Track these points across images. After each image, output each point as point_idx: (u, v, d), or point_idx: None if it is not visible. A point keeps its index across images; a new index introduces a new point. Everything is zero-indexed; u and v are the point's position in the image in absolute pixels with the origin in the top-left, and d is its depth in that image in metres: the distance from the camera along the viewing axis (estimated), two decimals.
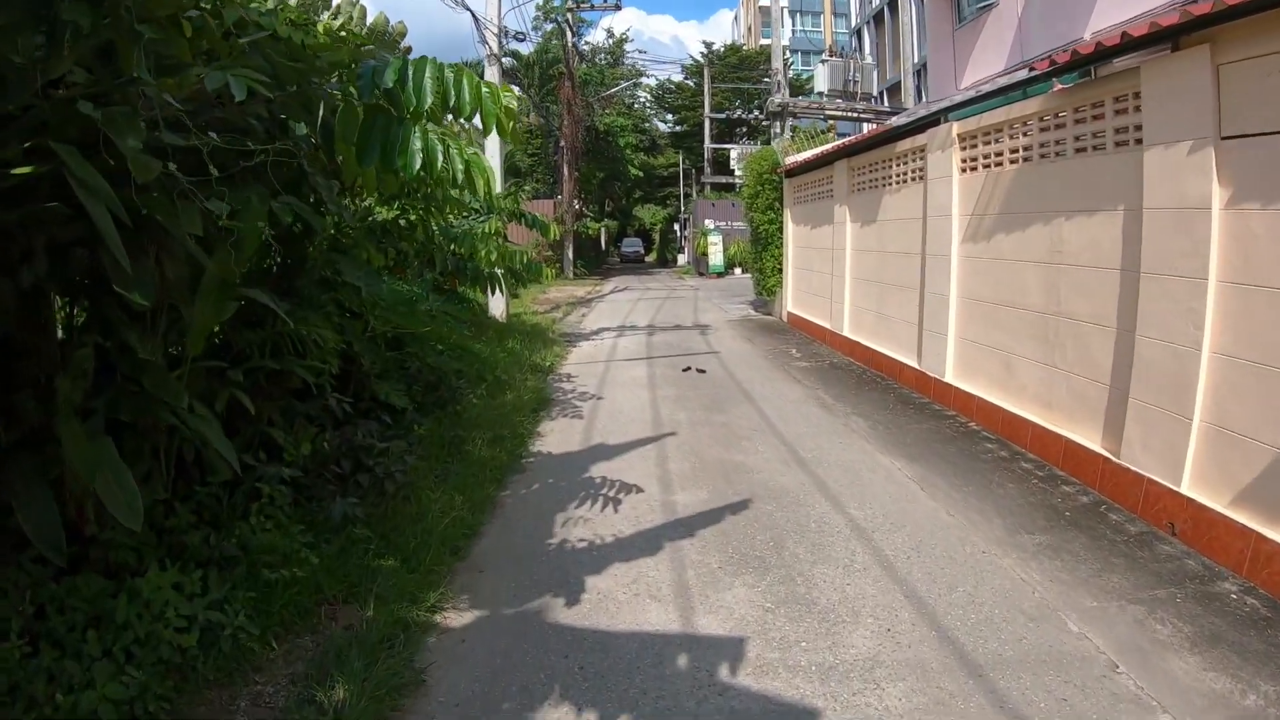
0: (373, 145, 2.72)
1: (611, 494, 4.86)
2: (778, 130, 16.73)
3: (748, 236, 32.69)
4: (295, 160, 3.54)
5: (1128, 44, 4.44)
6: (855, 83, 17.66)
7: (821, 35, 64.41)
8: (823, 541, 4.17)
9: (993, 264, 6.57)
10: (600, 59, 36.66)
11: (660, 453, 5.79)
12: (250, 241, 3.21)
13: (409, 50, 23.43)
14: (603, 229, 53.62)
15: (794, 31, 68.78)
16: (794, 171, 13.42)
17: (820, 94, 18.18)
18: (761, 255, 14.95)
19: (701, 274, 30.51)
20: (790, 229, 14.03)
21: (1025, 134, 6.10)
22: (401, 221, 6.53)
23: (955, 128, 7.12)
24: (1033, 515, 4.56)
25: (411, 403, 5.47)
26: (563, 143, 27.02)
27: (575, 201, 27.58)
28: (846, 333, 10.51)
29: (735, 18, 76.87)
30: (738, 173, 35.04)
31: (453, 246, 8.25)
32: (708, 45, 42.74)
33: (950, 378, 7.29)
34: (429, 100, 2.73)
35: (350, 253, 5.35)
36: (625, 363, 10.01)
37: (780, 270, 14.70)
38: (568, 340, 12.11)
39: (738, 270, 30.13)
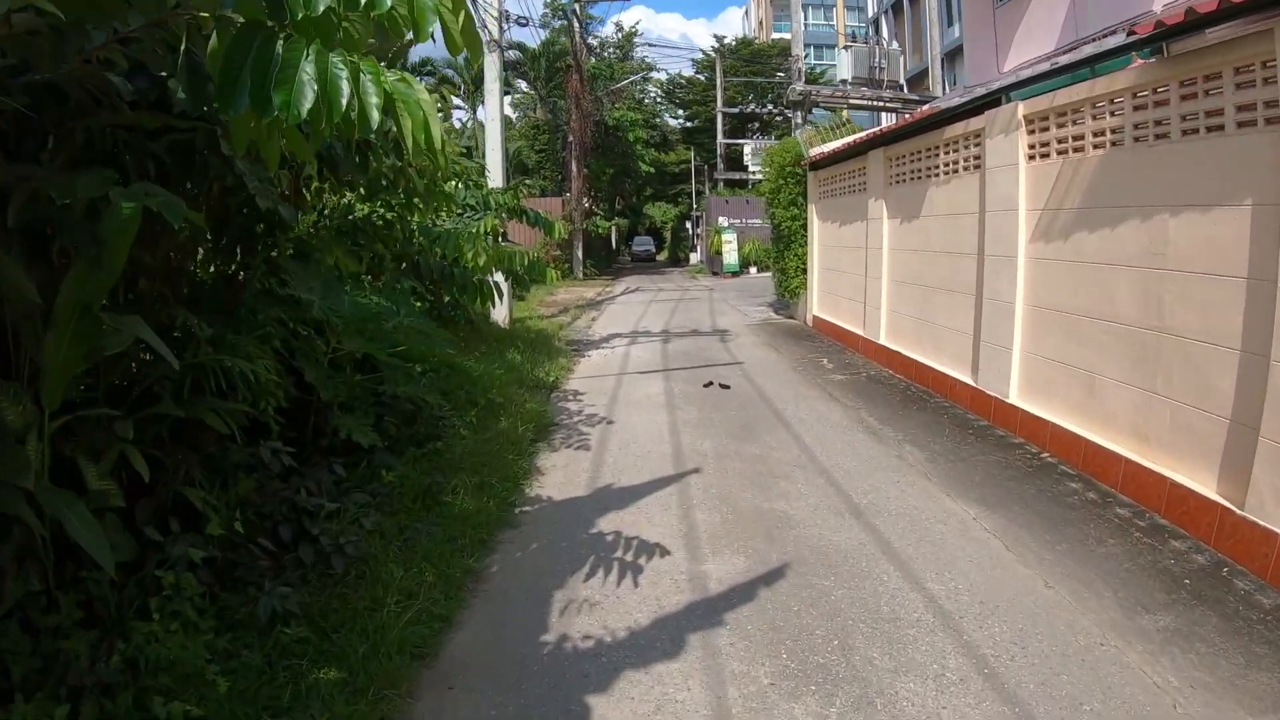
0: (238, 80, 1.70)
1: (626, 559, 3.90)
2: (798, 121, 15.73)
3: (764, 234, 31.77)
4: (185, 133, 2.60)
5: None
6: (881, 69, 16.61)
7: (834, 29, 63.38)
8: (901, 636, 3.19)
9: (1072, 267, 5.55)
10: (609, 54, 35.69)
11: (684, 498, 4.82)
12: (116, 251, 2.26)
13: (410, 44, 22.71)
14: (613, 227, 52.77)
15: (806, 26, 67.60)
16: (820, 164, 12.41)
17: (844, 82, 17.14)
18: (783, 254, 13.96)
19: (716, 273, 29.52)
20: (815, 226, 13.02)
21: (1114, 113, 5.08)
22: (376, 219, 5.59)
23: (1021, 108, 6.11)
24: (1147, 585, 3.59)
25: (382, 439, 4.52)
26: (571, 138, 26.07)
27: (584, 199, 26.64)
28: (883, 340, 9.52)
29: (745, 12, 75.65)
30: (752, 168, 34.04)
31: (438, 249, 7.31)
32: (719, 39, 41.66)
33: (1015, 398, 6.29)
34: None
35: (313, 258, 4.41)
36: (639, 376, 9.04)
37: (804, 270, 13.71)
38: (575, 349, 11.15)
39: (753, 269, 29.13)
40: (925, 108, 10.98)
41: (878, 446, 5.95)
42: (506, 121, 16.95)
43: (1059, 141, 5.70)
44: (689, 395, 7.94)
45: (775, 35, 52.94)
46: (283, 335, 3.82)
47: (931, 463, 5.49)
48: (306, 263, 4.24)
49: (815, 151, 12.62)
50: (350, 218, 5.38)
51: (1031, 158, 6.07)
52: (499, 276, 8.29)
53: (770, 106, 37.09)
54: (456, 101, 30.13)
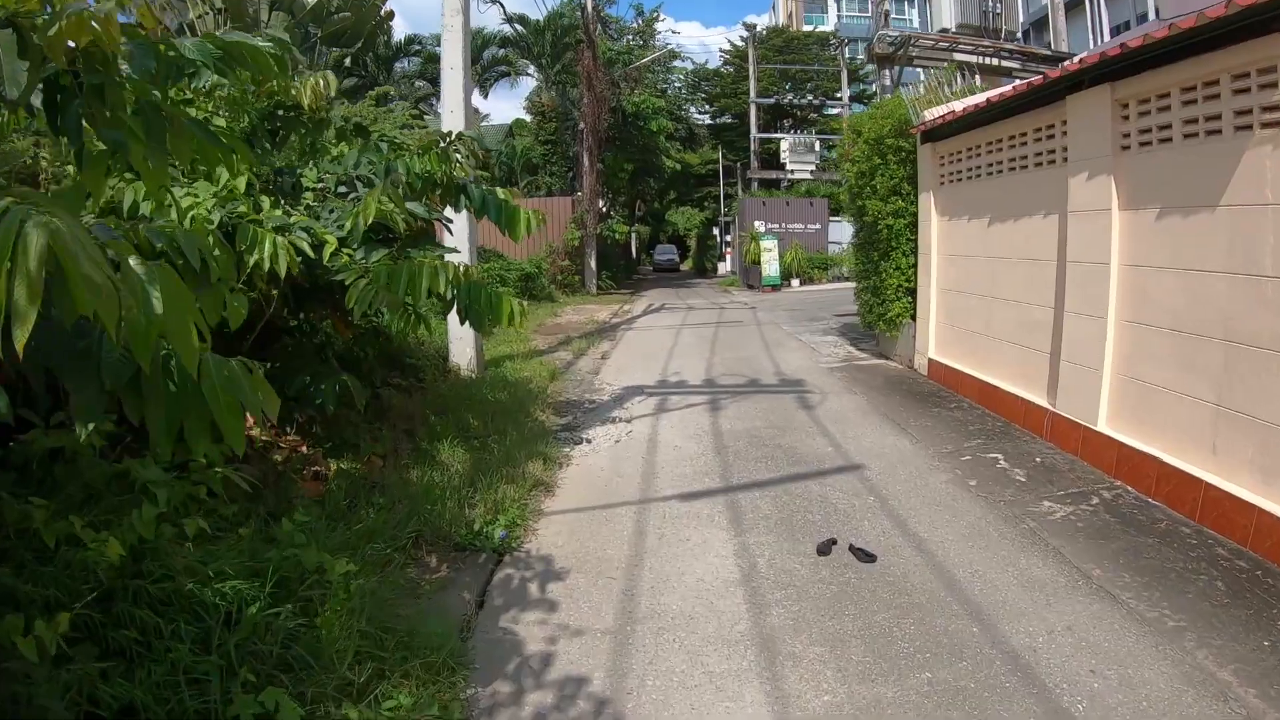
0: None
1: None
2: (886, 83, 11.42)
3: (809, 240, 27.44)
4: None
5: None
6: (996, 14, 12.28)
7: (870, 21, 58.85)
8: None
9: None
10: (629, 40, 31.57)
11: None
12: None
13: (390, 15, 18.14)
14: (632, 234, 48.48)
15: (839, 17, 63.39)
16: (946, 131, 8.14)
17: (946, 30, 12.83)
18: (879, 266, 9.64)
19: (752, 286, 25.19)
20: (935, 225, 8.72)
21: None
22: None
23: None
24: None
25: None
26: (582, 126, 21.89)
27: (598, 199, 22.43)
28: (1113, 431, 5.21)
29: (773, 5, 71.44)
30: (790, 166, 29.74)
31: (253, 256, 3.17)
32: (749, 27, 37.42)
33: None
34: None
35: None
36: (679, 511, 4.72)
37: (909, 292, 9.41)
38: (567, 429, 6.86)
39: (795, 281, 24.80)
40: (1068, 63, 6.74)
41: None
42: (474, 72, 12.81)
43: None
44: (793, 583, 3.64)
45: (807, 28, 48.70)
46: None
47: None
48: None
49: (938, 113, 8.33)
50: None
51: None
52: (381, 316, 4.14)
53: (810, 97, 32.74)
54: None
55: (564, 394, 8.19)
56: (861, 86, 38.33)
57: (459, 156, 4.62)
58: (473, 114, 25.05)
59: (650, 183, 30.73)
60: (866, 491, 4.95)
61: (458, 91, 8.40)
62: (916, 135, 8.97)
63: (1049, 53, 12.16)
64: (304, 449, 5.27)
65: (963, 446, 6.05)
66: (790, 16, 59.11)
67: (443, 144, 4.77)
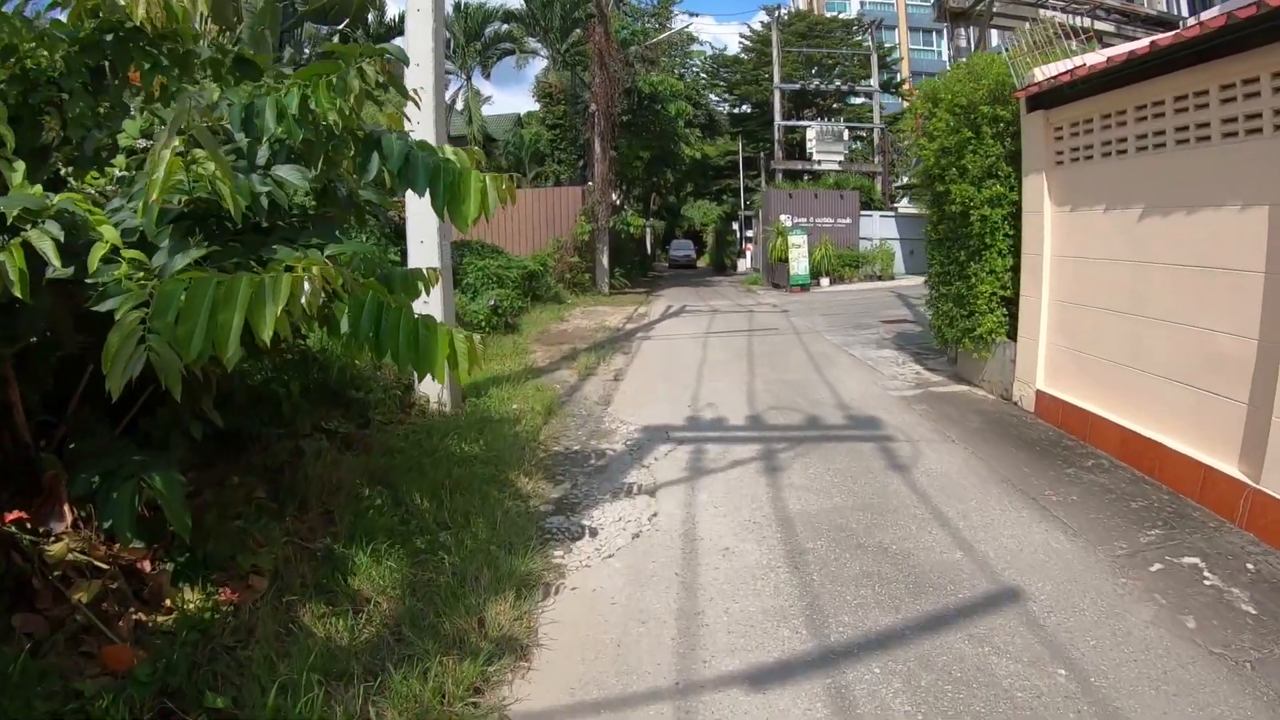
0: None
1: None
2: (963, 44, 9.36)
3: (839, 236, 25.15)
4: None
5: None
6: None
7: (894, 9, 56.43)
8: None
9: None
10: (644, 24, 29.50)
11: None
12: None
13: None
14: (647, 229, 46.45)
15: (862, 4, 60.98)
16: (1068, 93, 6.13)
17: None
18: (966, 269, 7.59)
19: (778, 285, 23.15)
20: (1049, 218, 6.71)
21: None
22: None
23: None
24: None
25: None
26: (593, 108, 19.89)
27: (611, 190, 20.43)
28: None
29: None
30: (816, 156, 27.65)
31: None
32: (769, 11, 35.28)
33: None
34: None
35: None
36: (747, 703, 2.74)
37: (1007, 302, 7.41)
38: (559, 509, 4.82)
39: (824, 280, 22.74)
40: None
41: None
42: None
43: None
44: None
45: (830, 14, 46.48)
46: None
47: None
48: None
49: (1054, 71, 6.31)
50: None
51: None
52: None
53: (838, 82, 30.58)
54: None
55: (562, 439, 6.21)
56: (888, 75, 36.15)
57: (368, 85, 2.65)
58: (475, 94, 23.09)
59: (667, 174, 28.71)
60: (1047, 652, 2.97)
61: (426, 39, 6.41)
62: (1020, 101, 6.95)
63: (1155, 13, 10.05)
64: (146, 565, 3.38)
65: (1140, 543, 4.05)
66: (810, 3, 56.81)
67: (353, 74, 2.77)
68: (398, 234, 10.70)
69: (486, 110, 29.08)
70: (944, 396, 7.68)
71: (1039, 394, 6.89)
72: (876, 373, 8.89)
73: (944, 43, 48.73)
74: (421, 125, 6.11)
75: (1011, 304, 7.46)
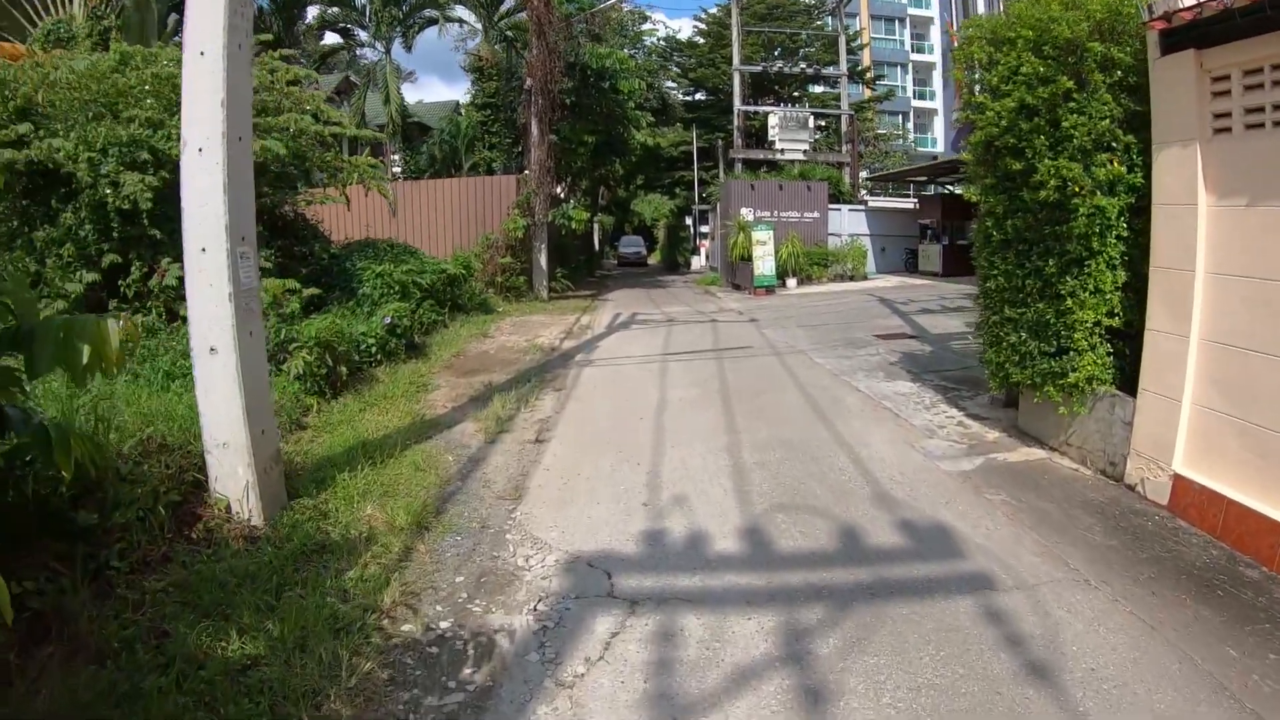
0: None
1: None
2: None
3: (806, 231, 22.65)
4: None
5: None
6: None
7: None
8: None
9: None
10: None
11: None
12: None
13: None
14: (594, 224, 43.55)
15: None
16: (1239, 24, 3.67)
17: None
18: (1053, 284, 5.10)
19: (739, 287, 20.66)
20: (1204, 215, 4.27)
21: None
22: None
23: None
24: None
25: None
26: (529, 83, 17.05)
27: (551, 180, 17.63)
28: None
29: None
30: (779, 144, 25.20)
31: None
32: None
33: None
34: None
35: None
36: None
37: (1120, 334, 4.99)
38: None
39: (791, 281, 20.33)
40: None
41: None
42: None
43: None
44: None
45: None
46: None
47: None
48: None
49: None
50: None
51: None
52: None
53: (803, 65, 28.22)
54: None
55: (424, 600, 3.46)
56: (853, 62, 34.08)
57: None
58: (394, 70, 20.03)
59: (616, 164, 25.95)
60: None
61: None
62: (1150, 38, 4.51)
63: None
64: None
65: None
66: None
67: None
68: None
69: (421, 96, 25.97)
70: (1020, 472, 5.20)
71: (1178, 480, 4.46)
72: (905, 423, 6.38)
73: (906, 32, 47.04)
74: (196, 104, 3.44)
75: (1124, 339, 5.03)
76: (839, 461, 5.37)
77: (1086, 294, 5.00)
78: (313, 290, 8.97)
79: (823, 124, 30.20)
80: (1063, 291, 5.08)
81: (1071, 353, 5.15)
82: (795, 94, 33.42)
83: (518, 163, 19.60)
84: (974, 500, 4.71)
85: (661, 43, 34.75)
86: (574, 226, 17.10)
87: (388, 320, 9.63)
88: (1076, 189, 4.82)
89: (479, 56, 19.67)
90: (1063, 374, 5.20)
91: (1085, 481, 5.03)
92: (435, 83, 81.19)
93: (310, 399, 7.34)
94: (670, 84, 34.53)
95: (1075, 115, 4.85)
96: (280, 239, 11.48)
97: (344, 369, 7.83)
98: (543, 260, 17.16)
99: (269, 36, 14.96)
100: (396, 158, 25.56)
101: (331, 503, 4.49)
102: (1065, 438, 5.56)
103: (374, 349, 9.09)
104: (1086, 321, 5.05)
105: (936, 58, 45.75)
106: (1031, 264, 5.33)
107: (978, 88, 5.91)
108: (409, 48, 20.18)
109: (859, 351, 9.83)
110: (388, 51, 19.44)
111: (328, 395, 7.65)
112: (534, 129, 17.07)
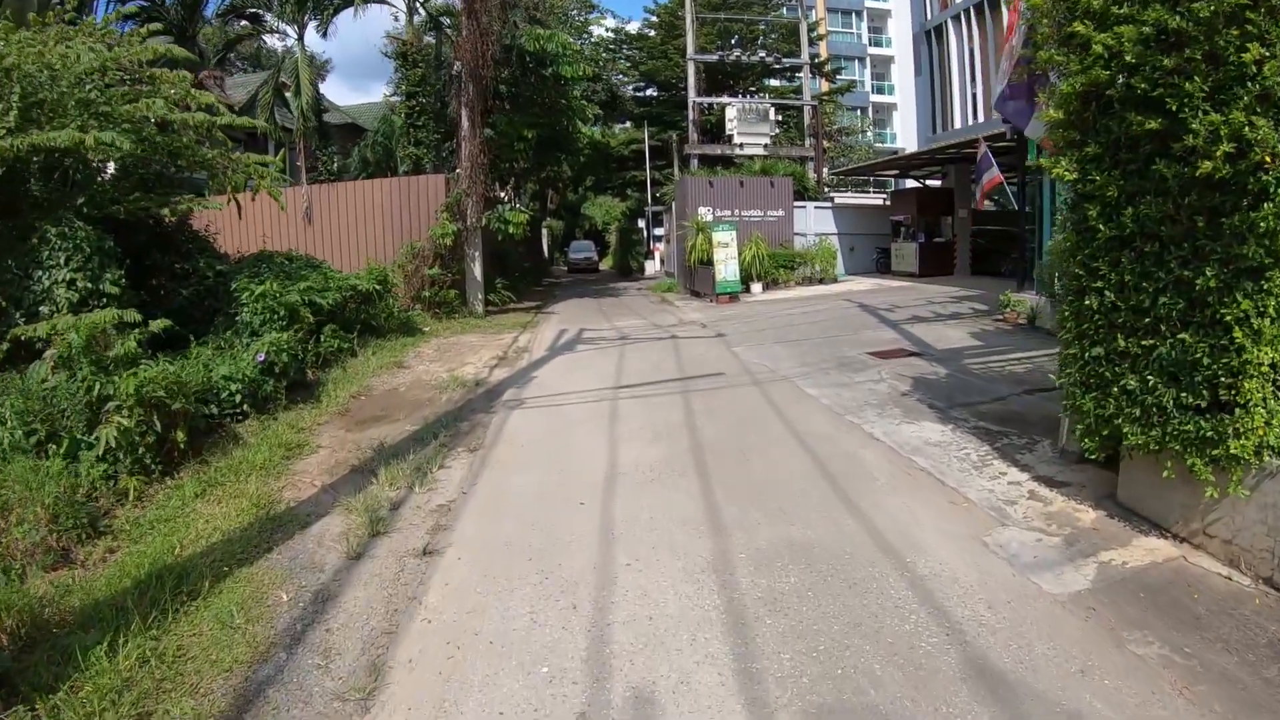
0: None
1: None
2: None
3: (773, 231, 20.67)
4: None
5: None
6: None
7: None
8: None
9: None
10: None
11: None
12: None
13: None
14: (545, 230, 41.35)
15: None
16: None
17: None
18: (1210, 305, 3.31)
19: (698, 293, 18.81)
20: None
21: None
22: None
23: None
24: None
25: None
26: (458, 67, 14.95)
27: (485, 178, 15.53)
28: None
29: None
30: (738, 139, 23.44)
31: None
32: None
33: None
34: None
35: None
36: None
37: None
38: None
39: (755, 286, 18.56)
40: None
41: None
42: None
43: None
44: None
45: None
46: None
47: None
48: None
49: None
50: None
51: None
52: None
53: (763, 54, 26.53)
54: None
55: None
56: (812, 53, 32.62)
57: None
58: (306, 59, 17.80)
59: (563, 163, 23.93)
60: None
61: None
62: None
63: None
64: None
65: None
66: None
67: None
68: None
69: (358, 100, 23.48)
70: (1156, 588, 3.41)
71: None
72: (957, 495, 4.53)
73: (864, 25, 45.83)
74: None
75: None
76: (890, 588, 3.48)
77: (1266, 321, 3.21)
78: (161, 323, 6.80)
79: (780, 119, 28.64)
80: (1226, 317, 3.28)
81: (1235, 409, 3.35)
82: (753, 88, 31.82)
83: (450, 161, 17.47)
84: (1118, 661, 2.88)
85: (610, 34, 32.79)
86: (512, 231, 15.00)
87: (261, 357, 7.51)
88: (1265, 158, 3.01)
89: (402, 41, 17.47)
90: (1218, 439, 3.40)
91: (1253, 602, 3.24)
92: (378, 84, 78.02)
93: (130, 481, 5.25)
94: (620, 77, 32.58)
95: (1257, 45, 3.05)
96: (153, 254, 9.30)
97: (180, 434, 5.70)
98: (477, 270, 15.03)
99: (158, 26, 12.65)
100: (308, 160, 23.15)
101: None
102: (1203, 525, 3.77)
103: (239, 398, 6.97)
104: (1263, 363, 3.25)
105: (895, 51, 44.65)
106: (1170, 273, 3.51)
107: (1046, 22, 4.11)
108: (324, 32, 17.96)
109: (857, 377, 8.01)
110: (300, 38, 17.19)
111: (156, 473, 5.55)
112: (464, 120, 14.95)
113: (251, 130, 12.41)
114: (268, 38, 18.94)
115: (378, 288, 11.51)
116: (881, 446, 5.62)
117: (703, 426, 6.33)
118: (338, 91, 77.01)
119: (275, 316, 8.74)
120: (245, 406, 7.02)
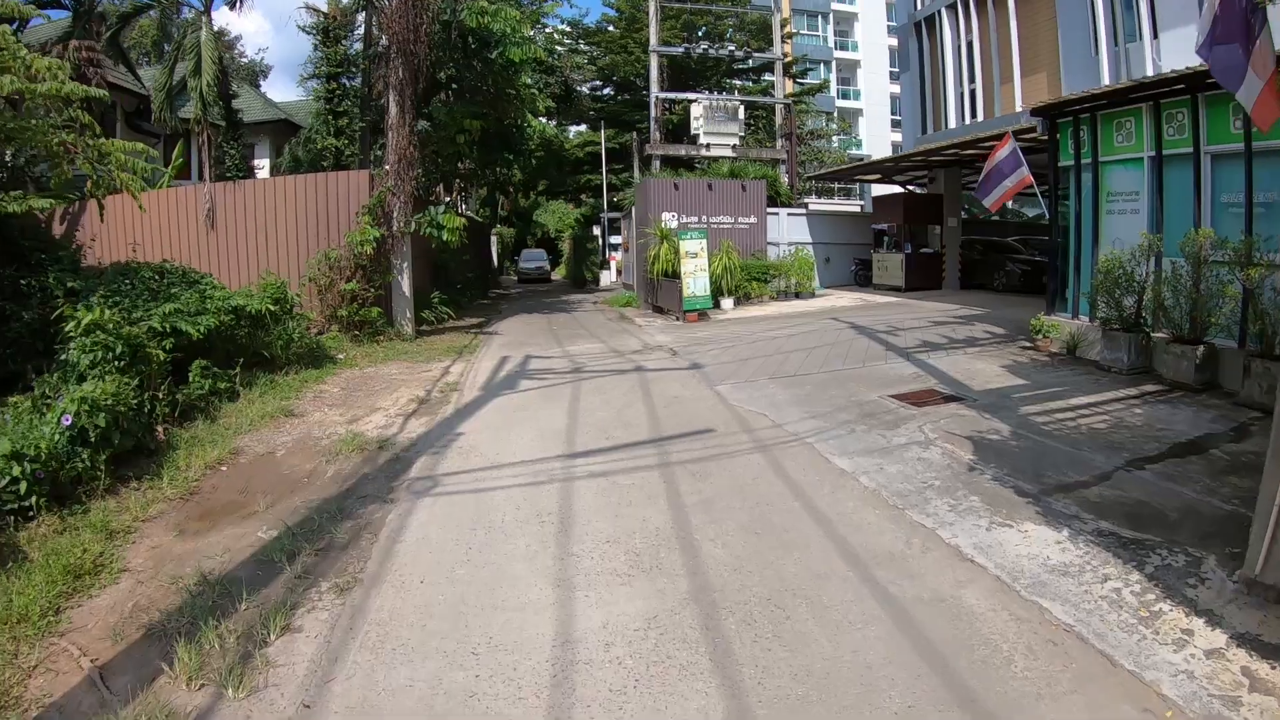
0: None
1: None
2: None
3: (739, 239, 17.77)
4: None
5: None
6: None
7: None
8: None
9: None
10: None
11: None
12: None
13: None
14: (494, 237, 38.81)
15: None
16: None
17: None
18: None
19: (662, 310, 16.72)
20: None
21: None
22: None
23: None
24: None
25: None
26: (385, 43, 12.67)
27: (417, 174, 13.23)
28: None
29: None
30: (704, 138, 21.52)
31: None
32: None
33: None
34: None
35: None
36: None
37: None
38: None
39: (726, 301, 16.57)
40: None
41: None
42: None
43: None
44: None
45: None
46: None
47: None
48: None
49: None
50: None
51: None
52: None
53: (731, 48, 24.65)
54: None
55: None
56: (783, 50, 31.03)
57: None
58: (213, 35, 15.25)
59: (513, 163, 21.65)
60: None
61: None
62: None
63: None
64: None
65: None
66: None
67: None
68: None
69: (298, 96, 20.58)
70: None
71: None
72: (1152, 697, 2.51)
73: (829, 28, 44.36)
74: None
75: None
76: None
77: None
78: None
79: (748, 120, 26.87)
80: None
81: None
82: (718, 89, 30.07)
83: (379, 156, 15.11)
84: None
85: (566, 26, 30.66)
86: (447, 238, 12.70)
87: (68, 420, 5.21)
88: None
89: (321, 13, 15.07)
90: None
91: None
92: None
93: None
94: (577, 74, 30.46)
95: None
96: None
97: None
98: (405, 284, 12.69)
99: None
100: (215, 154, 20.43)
101: None
102: None
103: (25, 486, 4.65)
104: None
105: (861, 55, 43.32)
106: None
107: None
108: (236, 7, 15.38)
109: (893, 436, 6.03)
110: (207, 10, 14.63)
111: None
112: (393, 106, 12.65)
113: (145, 113, 9.96)
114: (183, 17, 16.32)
115: (272, 308, 9.15)
116: (986, 579, 3.60)
117: (703, 541, 4.23)
118: (282, 94, 73.08)
119: (110, 355, 6.39)
120: (34, 500, 4.70)
